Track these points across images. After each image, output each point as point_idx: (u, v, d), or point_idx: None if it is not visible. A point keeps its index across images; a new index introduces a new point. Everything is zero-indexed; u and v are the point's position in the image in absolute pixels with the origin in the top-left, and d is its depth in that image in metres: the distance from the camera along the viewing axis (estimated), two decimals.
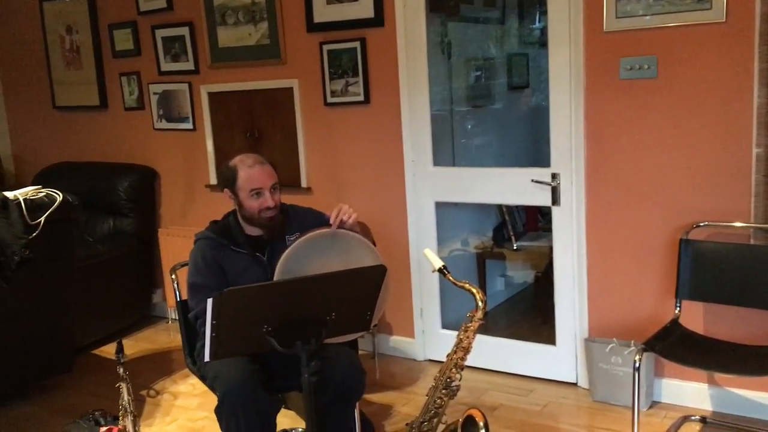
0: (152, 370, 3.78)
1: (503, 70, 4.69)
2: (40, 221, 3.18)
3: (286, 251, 2.42)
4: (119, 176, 4.49)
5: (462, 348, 2.26)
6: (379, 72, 3.60)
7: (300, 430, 2.89)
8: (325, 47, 3.71)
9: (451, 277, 2.31)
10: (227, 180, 2.56)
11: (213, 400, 3.26)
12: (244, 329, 2.01)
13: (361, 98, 3.66)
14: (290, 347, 2.02)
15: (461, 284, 2.30)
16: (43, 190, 3.32)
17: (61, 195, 3.31)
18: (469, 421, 2.13)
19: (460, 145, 4.33)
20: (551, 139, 3.22)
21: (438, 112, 3.86)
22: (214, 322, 1.95)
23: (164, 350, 4.14)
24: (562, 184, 3.21)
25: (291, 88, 3.89)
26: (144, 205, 4.54)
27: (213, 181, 4.30)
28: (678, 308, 2.87)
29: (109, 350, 4.10)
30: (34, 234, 3.13)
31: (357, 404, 2.54)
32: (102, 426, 2.78)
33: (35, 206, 3.20)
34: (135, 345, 4.21)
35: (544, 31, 4.01)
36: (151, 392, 3.51)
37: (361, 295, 2.12)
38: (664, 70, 2.90)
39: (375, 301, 2.15)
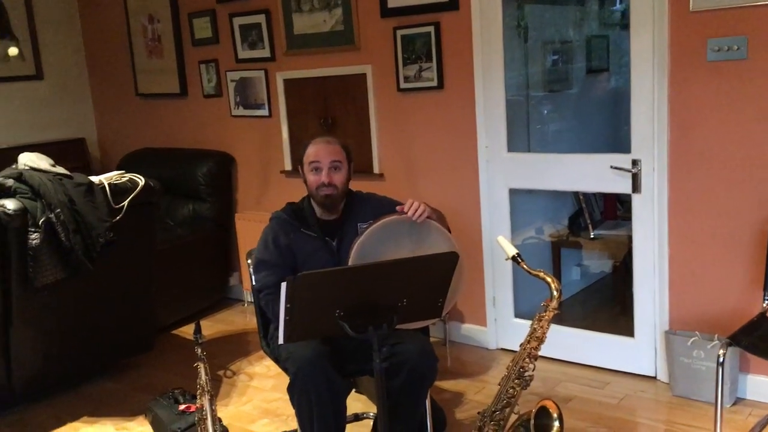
0: (229, 351, 3.88)
1: (581, 54, 4.56)
2: (124, 205, 3.29)
3: (361, 236, 2.43)
4: (198, 162, 4.61)
5: (536, 338, 2.21)
6: (453, 57, 3.56)
7: (372, 414, 2.91)
8: (399, 32, 3.69)
9: (525, 266, 2.26)
10: (301, 155, 2.62)
11: (287, 381, 3.33)
12: (316, 313, 2.03)
13: (435, 84, 3.63)
14: (362, 332, 2.02)
15: (536, 273, 2.26)
16: (126, 174, 3.43)
17: (143, 180, 3.42)
18: (543, 412, 2.09)
19: (536, 131, 4.24)
20: (632, 124, 3.11)
21: (513, 97, 3.78)
22: (288, 305, 1.97)
23: (240, 332, 4.24)
24: (644, 171, 3.09)
25: (364, 74, 3.89)
26: (221, 191, 4.65)
27: (288, 167, 4.36)
28: (766, 301, 2.73)
29: (187, 331, 4.24)
30: (118, 217, 3.25)
31: (429, 391, 2.52)
32: (181, 404, 2.87)
33: (119, 190, 3.32)
34: (212, 326, 4.32)
35: (625, 12, 3.87)
36: (228, 373, 3.61)
37: (433, 281, 2.11)
38: (755, 52, 2.74)
39: (447, 289, 2.13)
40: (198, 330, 2.26)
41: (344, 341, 2.39)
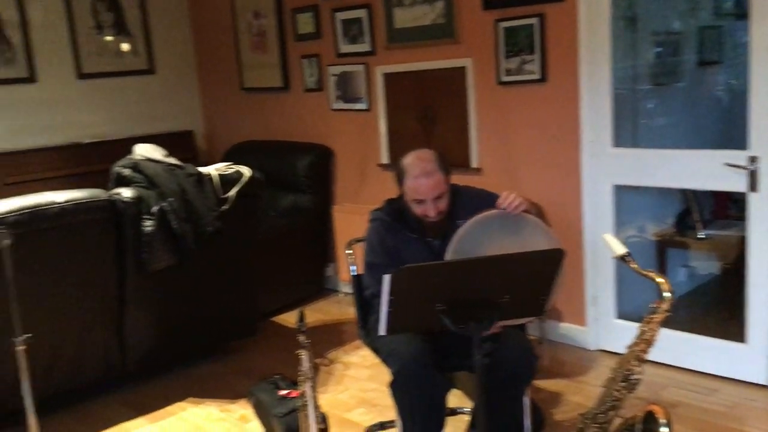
0: (325, 340, 3.96)
1: (691, 45, 4.34)
2: (230, 195, 3.42)
3: (460, 230, 2.42)
4: (299, 155, 4.72)
5: (644, 340, 2.14)
6: (557, 49, 3.48)
7: (467, 409, 2.90)
8: (501, 24, 3.64)
9: (634, 265, 2.19)
10: (398, 176, 2.60)
11: (383, 372, 3.35)
12: (419, 306, 2.04)
13: (537, 76, 3.56)
14: (463, 327, 2.02)
15: (645, 273, 2.18)
16: (233, 166, 3.56)
17: (249, 171, 3.54)
18: (650, 417, 2.02)
19: (642, 126, 4.09)
20: (750, 119, 2.94)
21: (618, 90, 3.65)
22: (391, 297, 1.99)
23: (336, 322, 4.32)
24: (762, 169, 2.92)
25: (464, 68, 3.87)
26: (320, 183, 4.74)
27: (385, 160, 4.40)
28: None
29: (286, 318, 4.36)
30: (225, 207, 3.38)
31: (527, 389, 2.49)
32: (281, 389, 2.96)
33: (226, 181, 3.45)
34: (309, 315, 4.34)
35: (741, 1, 3.66)
36: (325, 361, 3.68)
37: (537, 278, 2.07)
38: None
39: (551, 286, 2.10)
40: (301, 318, 2.32)
41: (444, 336, 2.39)
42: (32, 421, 2.61)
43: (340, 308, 4.57)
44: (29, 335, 2.61)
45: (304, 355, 2.31)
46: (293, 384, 3.04)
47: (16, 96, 4.73)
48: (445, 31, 3.89)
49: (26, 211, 2.88)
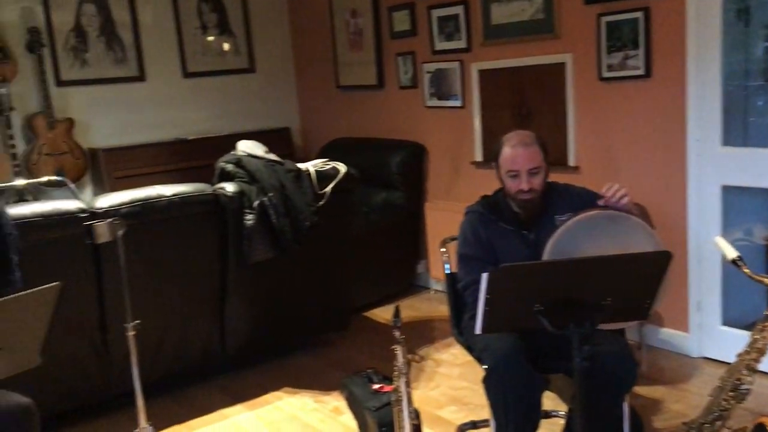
0: (416, 337, 3.98)
1: None
2: (327, 191, 3.49)
3: (558, 230, 2.37)
4: (392, 152, 4.75)
5: (756, 349, 2.03)
6: (662, 43, 3.35)
7: (562, 413, 2.84)
8: (603, 19, 3.53)
9: (746, 270, 2.08)
10: (494, 153, 2.59)
11: (475, 371, 3.32)
12: (516, 306, 2.02)
13: (641, 72, 3.44)
14: (562, 329, 1.98)
15: (759, 278, 2.07)
16: (329, 162, 3.63)
17: (344, 167, 3.60)
18: (761, 429, 1.92)
19: (752, 123, 3.87)
20: None
21: (727, 86, 3.48)
22: (488, 296, 1.97)
23: (427, 318, 4.32)
24: None
25: (563, 64, 3.79)
26: (413, 180, 4.75)
27: (479, 158, 4.36)
28: None
29: (378, 313, 4.40)
30: (321, 202, 3.45)
31: (626, 396, 2.42)
32: (374, 384, 2.99)
33: (323, 177, 3.52)
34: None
35: None
36: (416, 357, 3.70)
37: (642, 281, 2.01)
38: None
39: (656, 290, 2.02)
40: (397, 314, 2.33)
41: (540, 336, 2.35)
42: (140, 402, 2.75)
43: (431, 305, 4.57)
44: (138, 321, 2.76)
45: (398, 351, 2.32)
46: (385, 378, 3.07)
47: (127, 94, 4.99)
48: (544, 26, 3.81)
49: (137, 203, 3.03)
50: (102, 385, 3.15)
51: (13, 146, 4.47)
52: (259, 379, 3.54)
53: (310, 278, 3.65)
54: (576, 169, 3.83)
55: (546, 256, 2.36)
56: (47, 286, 1.83)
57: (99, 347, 3.09)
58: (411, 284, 4.88)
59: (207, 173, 4.22)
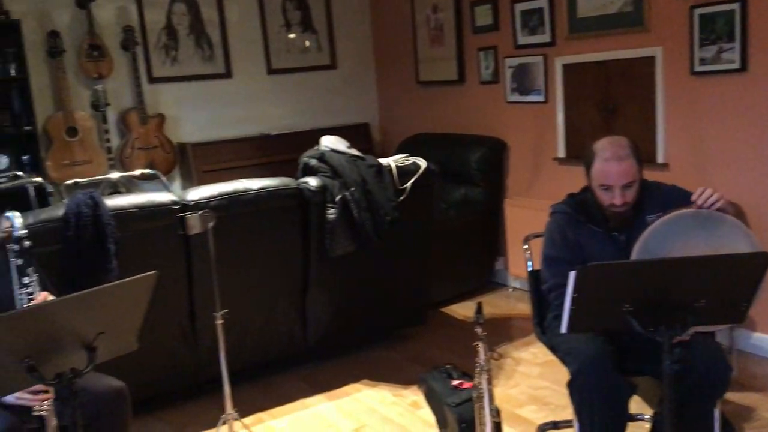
0: (494, 334, 3.94)
1: None
2: (407, 186, 3.50)
3: (648, 228, 2.30)
4: (471, 147, 4.72)
5: None
6: (760, 36, 3.20)
7: (647, 416, 2.76)
8: (696, 11, 3.40)
9: None
10: (585, 161, 2.50)
11: (556, 371, 3.29)
12: (603, 305, 1.97)
13: (736, 66, 3.30)
14: (652, 330, 1.92)
15: None
16: (410, 158, 3.64)
17: (425, 163, 3.60)
18: None
19: None
20: None
21: None
22: (574, 295, 1.94)
23: (505, 316, 4.28)
24: None
25: (652, 57, 3.67)
26: (493, 176, 4.71)
27: (561, 154, 4.28)
28: None
29: (455, 309, 4.40)
30: (402, 197, 3.47)
31: (718, 402, 2.33)
32: (454, 379, 2.98)
33: (403, 172, 3.54)
34: None
35: None
36: (495, 355, 3.67)
37: (738, 283, 1.93)
38: None
39: (754, 292, 1.94)
40: (479, 310, 2.32)
41: (626, 337, 2.30)
42: (227, 389, 2.84)
43: (509, 303, 4.52)
44: (226, 311, 2.85)
45: (480, 348, 2.31)
46: (465, 375, 3.07)
47: (214, 90, 5.15)
48: (634, 19, 3.70)
49: (225, 196, 3.13)
50: (189, 371, 3.27)
51: (108, 140, 4.69)
52: (339, 371, 3.60)
53: (390, 273, 3.68)
54: (665, 166, 3.71)
55: (635, 254, 2.29)
56: (145, 274, 1.91)
57: (188, 335, 3.21)
58: (489, 281, 4.85)
59: (288, 168, 4.31)
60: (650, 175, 2.89)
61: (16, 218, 2.04)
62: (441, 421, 2.93)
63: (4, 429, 1.94)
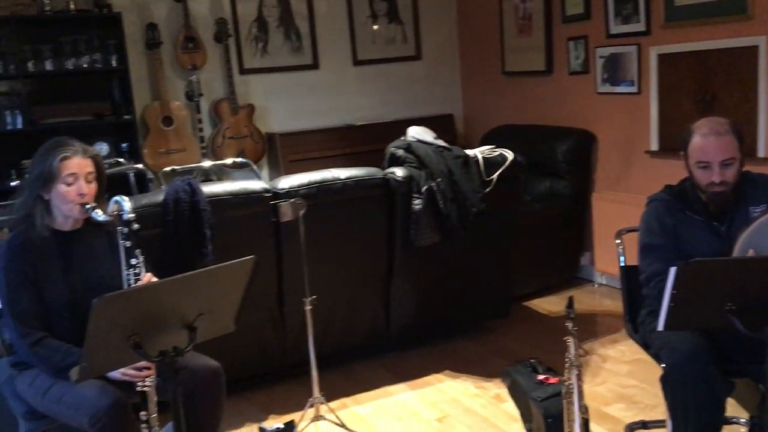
0: (580, 330, 3.75)
1: None
2: (493, 178, 3.47)
3: (755, 222, 2.20)
4: (558, 139, 4.63)
5: None
6: None
7: (743, 420, 2.66)
8: None
9: None
10: (683, 141, 2.43)
11: (645, 369, 3.21)
12: (704, 303, 1.91)
13: None
14: (756, 331, 1.85)
15: None
16: (497, 149, 3.61)
17: (512, 155, 3.56)
18: None
19: None
20: None
21: None
22: (674, 291, 1.89)
23: (591, 312, 4.20)
24: None
25: (756, 47, 3.50)
26: (580, 169, 4.61)
27: (654, 146, 4.15)
28: None
29: (538, 304, 4.34)
30: (488, 189, 3.44)
31: None
32: (539, 374, 2.95)
33: (490, 164, 3.51)
34: (561, 303, 4.33)
35: None
36: (580, 351, 3.59)
37: None
38: None
39: None
40: (570, 305, 2.28)
41: (725, 336, 2.21)
42: (314, 373, 2.91)
43: (595, 299, 4.43)
44: (315, 297, 2.91)
45: (571, 342, 2.27)
46: (550, 370, 3.03)
47: (301, 81, 5.25)
48: (736, 6, 3.54)
49: (314, 185, 3.19)
50: (276, 355, 3.36)
51: (201, 130, 4.86)
52: (421, 360, 3.61)
53: (474, 264, 3.66)
54: (766, 160, 3.54)
55: (737, 250, 2.20)
56: (244, 258, 1.98)
57: (276, 319, 3.29)
58: (573, 276, 4.76)
59: (372, 158, 4.34)
60: (751, 170, 2.77)
61: (125, 202, 2.14)
62: (525, 415, 2.91)
63: (110, 403, 2.05)
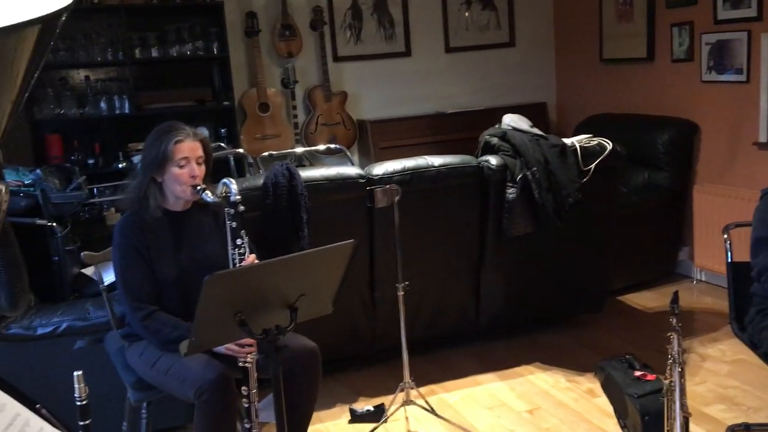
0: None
1: None
2: (591, 168, 3.39)
3: None
4: (658, 129, 4.46)
5: None
6: None
7: None
8: None
9: None
10: None
11: (748, 370, 3.09)
12: None
13: None
14: None
15: None
16: (595, 138, 3.51)
17: (610, 144, 3.46)
18: None
19: None
20: None
21: None
22: None
23: (689, 310, 4.04)
24: None
25: None
26: (681, 160, 4.43)
27: (763, 138, 3.93)
28: None
29: (632, 299, 4.22)
30: (585, 179, 3.36)
31: None
32: (636, 370, 2.87)
33: (587, 153, 3.42)
34: (657, 299, 4.21)
35: None
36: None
37: None
38: None
39: None
40: (675, 300, 2.21)
41: None
42: (405, 358, 2.93)
43: (693, 296, 4.26)
44: (407, 283, 2.93)
45: (674, 338, 2.20)
46: (646, 366, 2.94)
47: (393, 69, 5.27)
48: None
49: (408, 172, 3.20)
50: (367, 339, 3.41)
51: (295, 116, 4.96)
52: (511, 351, 3.58)
53: (568, 256, 3.59)
54: None
55: None
56: (344, 242, 2.01)
57: (367, 304, 3.33)
58: (670, 272, 4.59)
59: (462, 146, 4.32)
60: None
61: (233, 184, 2.22)
62: (620, 411, 2.84)
63: (215, 377, 2.13)
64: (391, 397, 2.99)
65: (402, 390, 2.94)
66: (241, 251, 2.22)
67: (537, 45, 5.60)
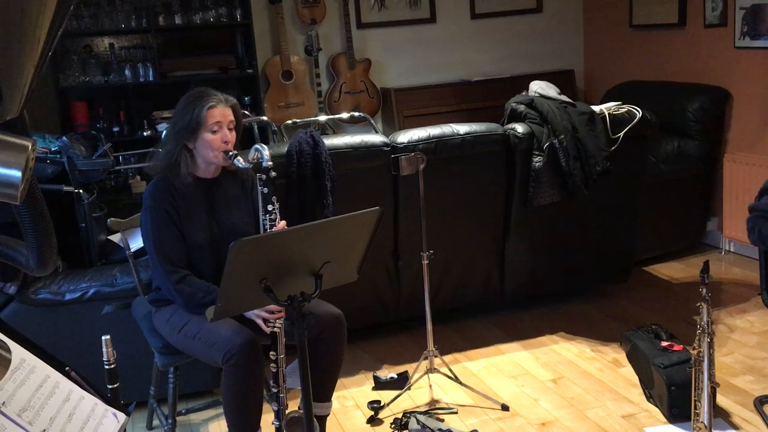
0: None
1: None
2: (620, 136, 3.32)
3: None
4: (689, 97, 4.37)
5: None
6: None
7: None
8: None
9: None
10: None
11: None
12: None
13: None
14: None
15: None
16: (624, 106, 3.44)
17: (640, 112, 3.39)
18: None
19: None
20: None
21: None
22: None
23: (717, 281, 3.97)
24: None
25: None
26: (712, 129, 4.33)
27: None
28: None
29: (658, 269, 4.17)
30: (614, 147, 3.30)
31: None
32: (663, 340, 2.84)
33: (616, 121, 3.36)
34: (684, 270, 4.16)
35: None
36: None
37: None
38: None
39: None
40: (706, 270, 2.18)
41: None
42: (429, 326, 2.93)
43: (721, 267, 4.20)
44: (431, 251, 2.91)
45: (704, 309, 2.17)
46: (671, 337, 2.92)
47: (418, 36, 5.19)
48: None
49: (433, 140, 3.17)
50: (390, 307, 3.41)
51: (318, 84, 4.92)
52: (535, 321, 3.57)
53: (595, 226, 3.55)
54: None
55: None
56: (370, 209, 1.99)
57: (391, 272, 3.33)
58: (698, 242, 4.52)
59: (487, 114, 4.26)
60: None
61: (265, 150, 2.21)
62: (646, 382, 2.82)
63: (243, 342, 2.15)
64: (414, 365, 3.00)
65: (426, 358, 2.94)
66: (272, 217, 2.21)
67: (565, 10, 5.48)
